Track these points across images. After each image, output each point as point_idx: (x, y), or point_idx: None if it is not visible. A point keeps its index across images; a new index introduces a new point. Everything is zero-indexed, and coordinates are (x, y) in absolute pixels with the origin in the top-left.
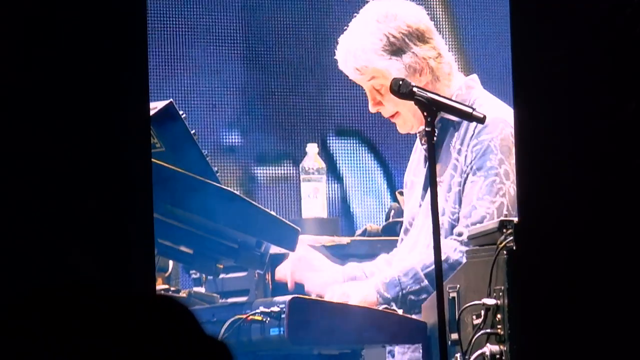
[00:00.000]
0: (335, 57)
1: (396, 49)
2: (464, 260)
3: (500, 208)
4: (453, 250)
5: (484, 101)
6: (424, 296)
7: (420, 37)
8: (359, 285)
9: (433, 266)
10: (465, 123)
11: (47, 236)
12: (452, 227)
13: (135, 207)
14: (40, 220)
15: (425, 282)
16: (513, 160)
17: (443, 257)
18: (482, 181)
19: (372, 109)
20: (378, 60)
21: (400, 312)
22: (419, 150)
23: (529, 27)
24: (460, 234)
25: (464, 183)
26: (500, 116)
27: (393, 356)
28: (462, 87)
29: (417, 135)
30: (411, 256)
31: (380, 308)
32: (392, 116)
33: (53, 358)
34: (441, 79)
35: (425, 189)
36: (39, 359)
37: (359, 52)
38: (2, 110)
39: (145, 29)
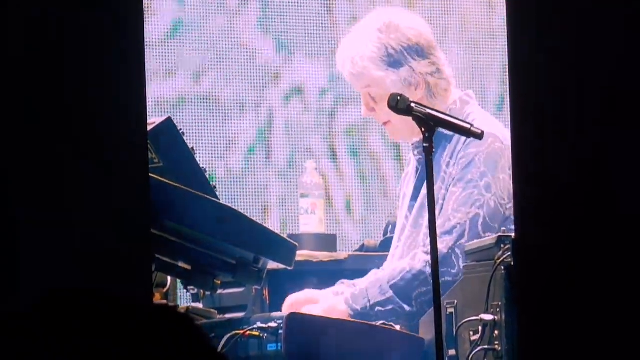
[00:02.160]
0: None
1: (394, 61)
2: (428, 270)
3: (475, 219)
4: (417, 261)
5: (477, 116)
6: (390, 307)
7: (419, 52)
8: (328, 296)
9: (398, 277)
10: (456, 137)
11: (43, 251)
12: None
13: (133, 222)
14: (35, 234)
15: (390, 292)
16: (500, 175)
17: (408, 269)
18: (460, 192)
19: (364, 114)
20: (374, 69)
21: (397, 327)
22: (412, 163)
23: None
24: (425, 244)
25: (446, 194)
26: (491, 131)
27: None
28: (456, 101)
29: (411, 147)
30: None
31: (378, 324)
32: (385, 123)
33: (53, 358)
34: (437, 95)
35: (413, 200)
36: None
37: (356, 59)
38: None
39: (142, 40)
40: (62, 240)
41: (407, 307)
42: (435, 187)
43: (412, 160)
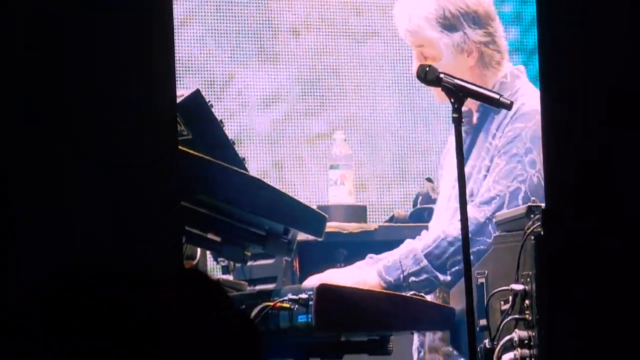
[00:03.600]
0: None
1: (449, 25)
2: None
3: (516, 192)
4: (453, 228)
5: (525, 91)
6: (424, 276)
7: (476, 20)
8: (360, 270)
9: (432, 245)
10: (504, 110)
11: (75, 224)
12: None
13: (162, 195)
14: (69, 208)
15: (425, 261)
16: None
17: (442, 237)
18: (504, 164)
19: (415, 72)
20: (429, 29)
21: (429, 298)
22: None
23: (556, 13)
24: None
25: (490, 166)
26: (538, 108)
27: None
28: (507, 75)
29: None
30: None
31: (409, 294)
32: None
33: (53, 358)
34: (489, 65)
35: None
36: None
37: (413, 17)
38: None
39: (171, 14)
40: (93, 212)
41: (441, 276)
42: (480, 158)
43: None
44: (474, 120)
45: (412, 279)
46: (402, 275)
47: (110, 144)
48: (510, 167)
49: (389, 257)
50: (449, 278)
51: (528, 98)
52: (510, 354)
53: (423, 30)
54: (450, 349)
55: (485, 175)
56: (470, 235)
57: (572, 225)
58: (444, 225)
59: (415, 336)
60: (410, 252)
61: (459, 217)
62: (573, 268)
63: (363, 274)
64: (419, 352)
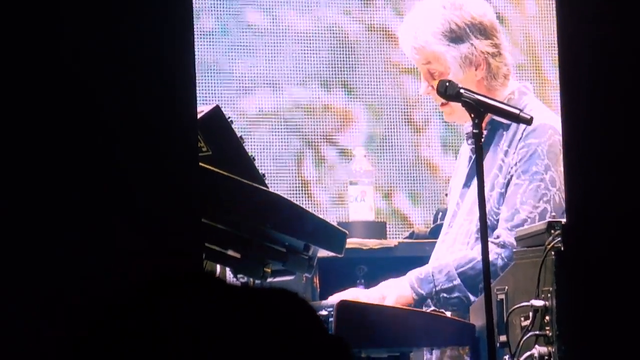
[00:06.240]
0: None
1: (455, 37)
2: (500, 262)
3: (543, 214)
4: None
5: (534, 107)
6: (455, 295)
7: (482, 31)
8: (394, 282)
9: (467, 266)
10: (514, 125)
11: (95, 241)
12: (492, 227)
13: (183, 211)
14: (87, 224)
15: (458, 280)
16: (560, 168)
17: (478, 259)
18: (527, 185)
19: (423, 92)
20: (436, 43)
21: (448, 314)
22: (464, 153)
23: (576, 25)
24: (498, 237)
25: (507, 185)
26: (549, 123)
27: (431, 353)
28: (514, 91)
29: (465, 136)
30: (449, 255)
31: (428, 310)
32: (443, 105)
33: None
34: (497, 77)
35: (465, 187)
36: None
37: (419, 32)
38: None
39: (192, 31)
40: (113, 230)
41: (472, 297)
42: (492, 175)
43: (464, 150)
44: (482, 137)
45: (444, 295)
46: (434, 290)
47: (130, 161)
48: (534, 186)
49: (421, 270)
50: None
51: (538, 113)
52: None
53: (430, 46)
54: None
55: (501, 193)
56: (506, 260)
57: (593, 241)
58: (455, 243)
59: (426, 353)
60: (444, 268)
61: (492, 239)
62: (594, 284)
63: (395, 285)
64: None
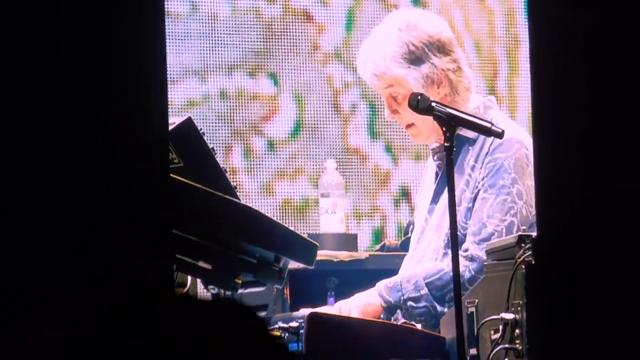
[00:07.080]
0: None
1: (415, 58)
2: (467, 275)
3: (510, 227)
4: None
5: (499, 121)
6: (422, 304)
7: (440, 48)
8: (364, 292)
9: (435, 276)
10: (480, 140)
11: (64, 251)
12: (460, 241)
13: (153, 222)
14: (57, 233)
15: (425, 290)
16: (527, 181)
17: (446, 270)
18: (494, 199)
19: (388, 117)
20: (396, 67)
21: (419, 326)
22: (430, 169)
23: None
24: (466, 250)
25: (474, 199)
26: (515, 137)
27: None
28: (479, 106)
29: (431, 152)
30: (417, 268)
31: (399, 323)
32: (408, 126)
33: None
34: (460, 92)
35: (433, 203)
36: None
37: (378, 59)
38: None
39: (164, 42)
40: (83, 240)
41: (439, 307)
42: (459, 190)
43: (430, 166)
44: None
45: (411, 303)
46: (402, 298)
47: (101, 172)
48: (500, 199)
49: (390, 279)
50: (446, 310)
51: (504, 127)
52: None
53: (391, 71)
54: None
55: (468, 208)
56: (474, 273)
57: (563, 254)
58: (423, 259)
59: None
60: (412, 277)
61: (462, 252)
62: (564, 298)
63: (365, 295)
64: None
